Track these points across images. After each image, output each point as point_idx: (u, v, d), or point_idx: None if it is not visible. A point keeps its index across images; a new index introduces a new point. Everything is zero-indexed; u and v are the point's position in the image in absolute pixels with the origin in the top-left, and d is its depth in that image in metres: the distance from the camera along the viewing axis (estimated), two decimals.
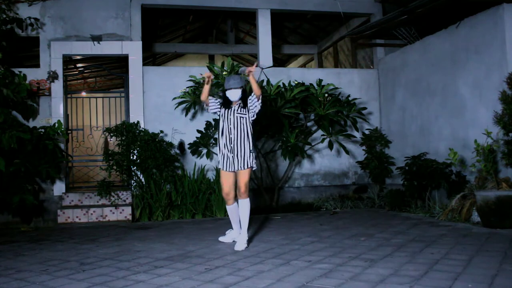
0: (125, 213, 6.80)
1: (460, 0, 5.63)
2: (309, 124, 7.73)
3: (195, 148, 7.24)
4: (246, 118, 4.44)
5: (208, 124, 7.28)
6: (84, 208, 6.79)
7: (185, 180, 6.95)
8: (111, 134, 7.11)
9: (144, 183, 6.89)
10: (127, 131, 7.03)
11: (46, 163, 6.48)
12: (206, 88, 4.41)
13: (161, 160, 6.83)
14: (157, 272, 3.50)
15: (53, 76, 7.15)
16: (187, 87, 7.22)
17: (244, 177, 4.40)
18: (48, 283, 3.29)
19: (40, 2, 7.28)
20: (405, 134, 7.68)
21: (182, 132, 7.57)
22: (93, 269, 3.68)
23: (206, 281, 3.16)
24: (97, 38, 7.36)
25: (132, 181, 7.08)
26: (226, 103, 4.48)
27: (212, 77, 4.51)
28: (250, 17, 9.90)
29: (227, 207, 4.57)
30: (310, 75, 8.14)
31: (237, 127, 4.40)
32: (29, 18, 7.01)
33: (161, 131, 7.25)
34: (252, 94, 4.41)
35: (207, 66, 7.19)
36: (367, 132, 8.03)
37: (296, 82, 7.35)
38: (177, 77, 7.59)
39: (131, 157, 6.97)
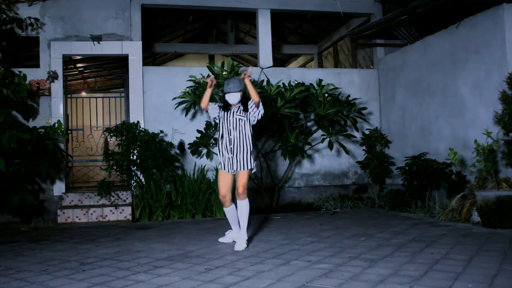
0: (125, 213, 6.80)
1: (460, 0, 5.63)
2: (309, 124, 7.73)
3: (195, 148, 7.24)
4: (245, 120, 4.43)
5: (208, 124, 7.28)
6: (84, 208, 6.79)
7: (185, 180, 6.95)
8: (111, 134, 7.11)
9: (144, 183, 6.89)
10: (127, 131, 7.03)
11: (46, 163, 6.47)
12: (208, 93, 4.42)
13: (161, 160, 6.83)
14: (157, 272, 3.50)
15: (53, 76, 7.15)
16: (187, 87, 7.21)
17: (243, 178, 4.39)
18: (48, 283, 3.29)
19: (40, 2, 7.28)
20: (405, 134, 7.68)
21: (182, 132, 7.57)
22: (93, 269, 3.68)
23: (206, 281, 3.16)
24: (97, 38, 7.36)
25: (132, 181, 7.08)
26: (226, 106, 4.48)
27: (215, 82, 4.51)
28: (250, 17, 9.90)
29: (225, 209, 4.56)
30: (310, 75, 8.14)
31: (236, 128, 4.40)
32: (29, 18, 7.01)
33: (161, 131, 7.25)
34: (251, 100, 4.41)
35: (207, 66, 7.19)
36: (367, 132, 8.03)
37: (296, 82, 7.35)
38: (177, 77, 7.59)
39: (131, 157, 6.97)
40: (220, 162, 4.50)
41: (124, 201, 7.03)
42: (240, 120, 4.42)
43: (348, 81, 8.37)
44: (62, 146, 7.07)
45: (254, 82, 7.24)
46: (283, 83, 7.39)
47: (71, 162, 7.58)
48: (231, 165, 4.41)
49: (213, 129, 7.24)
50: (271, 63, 8.11)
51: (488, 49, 5.79)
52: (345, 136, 7.37)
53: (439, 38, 6.74)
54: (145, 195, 6.77)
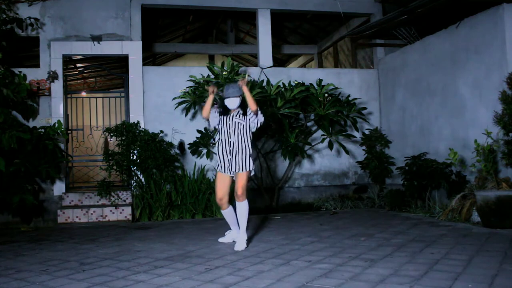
0: (125, 213, 6.80)
1: (460, 0, 5.63)
2: (309, 124, 7.73)
3: (195, 148, 7.23)
4: (244, 124, 4.44)
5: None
6: (84, 208, 6.79)
7: (185, 180, 6.95)
8: (111, 134, 7.11)
9: (144, 183, 6.89)
10: (127, 131, 7.03)
11: (46, 163, 6.47)
12: (209, 102, 4.44)
13: (161, 160, 6.83)
14: (157, 272, 3.50)
15: (53, 76, 7.15)
16: (187, 87, 7.21)
17: (241, 180, 4.38)
18: (48, 283, 3.29)
19: (40, 2, 7.28)
20: (405, 134, 7.68)
21: (182, 132, 7.57)
22: (93, 269, 3.68)
23: (206, 281, 3.16)
24: (97, 38, 7.36)
25: (132, 181, 7.08)
26: (225, 111, 4.50)
27: (216, 91, 4.54)
28: (250, 17, 9.90)
29: (222, 211, 4.56)
30: (310, 75, 8.14)
31: (236, 132, 4.41)
32: (29, 18, 7.01)
33: (161, 131, 7.25)
34: (249, 109, 4.42)
35: (207, 66, 7.20)
36: (367, 132, 8.03)
37: (296, 82, 7.35)
38: (177, 77, 7.59)
39: (131, 157, 6.97)
40: (219, 165, 4.51)
41: (124, 201, 7.03)
42: (239, 124, 4.43)
43: (348, 81, 8.37)
44: (62, 146, 7.07)
45: (254, 83, 7.25)
46: (283, 83, 7.39)
47: (71, 162, 7.58)
48: (230, 167, 4.42)
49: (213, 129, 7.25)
50: (271, 63, 8.11)
51: (488, 49, 5.79)
52: (345, 136, 7.37)
53: (439, 38, 6.74)
54: (145, 195, 6.77)
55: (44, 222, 6.93)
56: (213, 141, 7.25)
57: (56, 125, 6.70)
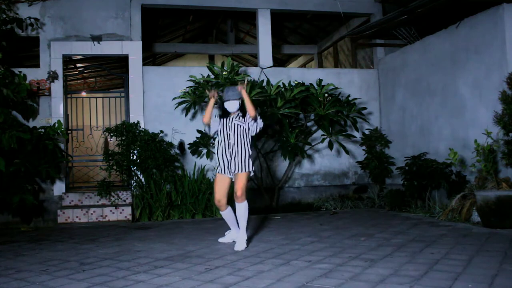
0: (125, 213, 6.80)
1: (460, 0, 5.63)
2: (309, 124, 7.73)
3: (195, 148, 7.23)
4: (244, 127, 4.45)
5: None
6: (84, 208, 6.79)
7: (185, 180, 6.95)
8: (111, 134, 7.11)
9: (144, 183, 6.89)
10: (127, 131, 7.03)
11: (46, 163, 6.47)
12: (210, 107, 4.45)
13: (161, 160, 6.83)
14: (157, 272, 3.50)
15: (53, 76, 7.15)
16: (187, 87, 7.21)
17: (241, 181, 4.37)
18: (48, 283, 3.29)
19: (40, 2, 7.28)
20: (405, 134, 7.68)
21: (182, 132, 7.57)
22: (93, 269, 3.68)
23: (206, 281, 3.16)
24: (97, 38, 7.36)
25: (132, 181, 7.08)
26: (225, 114, 4.51)
27: (216, 96, 4.55)
28: (250, 17, 9.90)
29: (221, 213, 4.56)
30: (310, 75, 8.14)
31: (235, 133, 4.42)
32: (29, 18, 7.01)
33: (161, 131, 7.25)
34: (247, 114, 4.42)
35: (207, 66, 7.19)
36: (367, 132, 8.03)
37: (296, 82, 7.35)
38: (177, 77, 7.59)
39: (131, 157, 6.97)
40: (218, 166, 4.51)
41: (124, 201, 7.03)
42: (239, 126, 4.44)
43: (348, 81, 8.37)
44: (62, 146, 7.07)
45: (254, 82, 7.25)
46: (283, 83, 7.39)
47: (71, 162, 7.58)
48: (230, 168, 4.42)
49: None
50: (271, 63, 8.11)
51: (488, 49, 5.79)
52: (345, 136, 7.37)
53: (439, 38, 6.74)
54: (145, 195, 6.77)
55: (44, 222, 6.93)
56: (213, 141, 7.25)
57: (56, 125, 6.70)
